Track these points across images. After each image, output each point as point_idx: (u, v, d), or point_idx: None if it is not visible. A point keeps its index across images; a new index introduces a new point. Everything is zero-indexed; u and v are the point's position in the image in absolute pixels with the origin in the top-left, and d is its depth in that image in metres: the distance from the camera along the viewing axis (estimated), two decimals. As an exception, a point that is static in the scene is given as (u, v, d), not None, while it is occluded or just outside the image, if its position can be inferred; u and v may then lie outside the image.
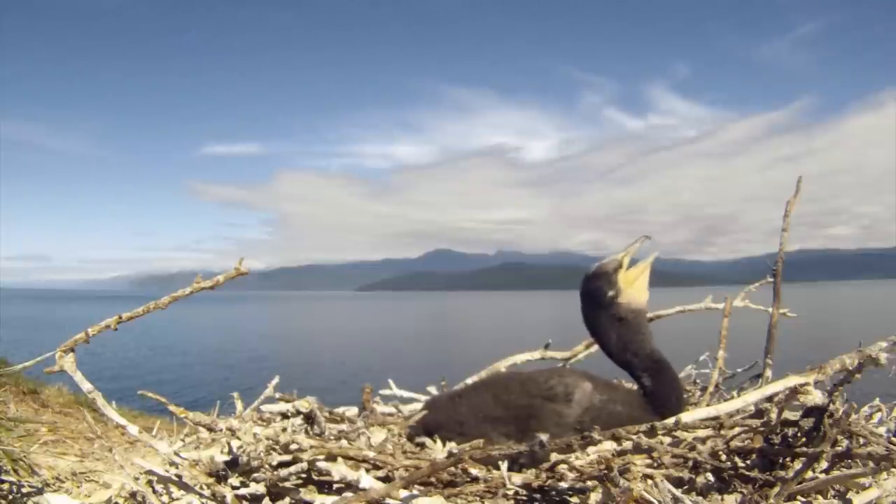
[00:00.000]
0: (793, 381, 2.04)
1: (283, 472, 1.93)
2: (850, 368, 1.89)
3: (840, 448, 1.68)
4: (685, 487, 1.75)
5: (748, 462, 1.81)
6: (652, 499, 1.63)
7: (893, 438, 1.85)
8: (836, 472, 1.66)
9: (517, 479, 1.79)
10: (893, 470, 1.76)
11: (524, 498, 1.80)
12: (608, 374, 2.43)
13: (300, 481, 1.94)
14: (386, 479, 1.89)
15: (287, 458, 1.95)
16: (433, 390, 3.11)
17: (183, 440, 2.61)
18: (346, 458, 1.94)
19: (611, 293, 2.34)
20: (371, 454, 1.96)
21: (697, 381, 3.07)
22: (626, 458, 1.78)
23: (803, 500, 1.71)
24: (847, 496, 1.73)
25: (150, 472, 2.01)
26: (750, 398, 2.15)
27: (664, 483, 1.66)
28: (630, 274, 2.36)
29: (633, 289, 2.35)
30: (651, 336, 2.37)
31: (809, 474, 1.65)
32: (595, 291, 2.36)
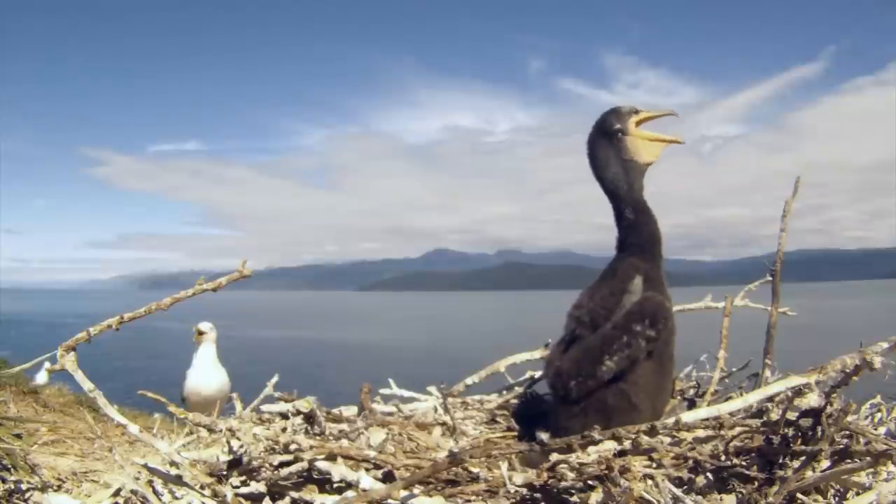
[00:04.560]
0: (794, 381, 2.05)
1: (284, 471, 1.93)
2: (850, 370, 1.89)
3: (839, 447, 1.68)
4: (685, 487, 1.75)
5: (747, 461, 1.81)
6: (652, 499, 1.63)
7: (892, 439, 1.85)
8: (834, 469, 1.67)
9: (518, 478, 1.79)
10: (893, 470, 1.76)
11: (525, 497, 1.80)
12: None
13: (301, 481, 1.94)
14: (386, 479, 1.89)
15: (288, 457, 1.95)
16: (433, 390, 3.11)
17: (184, 441, 2.61)
18: (347, 457, 1.94)
19: (618, 126, 2.42)
20: (372, 454, 1.96)
21: (698, 381, 3.07)
22: (627, 459, 1.78)
23: (803, 498, 1.71)
24: (847, 497, 1.73)
25: (151, 471, 2.01)
26: (751, 398, 2.15)
27: (665, 483, 1.67)
28: (643, 131, 2.43)
29: (641, 142, 2.41)
30: (643, 190, 2.44)
31: (809, 473, 1.65)
32: (604, 122, 2.44)
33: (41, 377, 6.37)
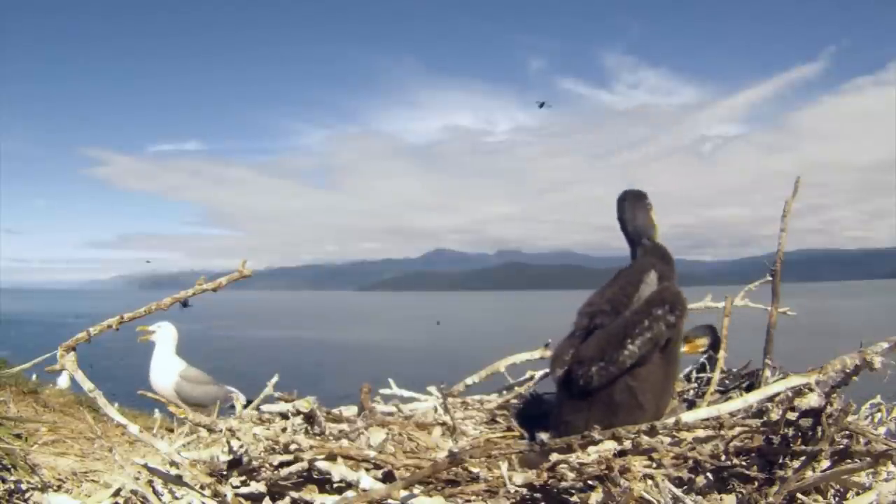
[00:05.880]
0: (794, 381, 2.05)
1: (284, 471, 1.93)
2: (850, 370, 1.89)
3: (839, 447, 1.68)
4: (685, 487, 1.75)
5: (747, 461, 1.81)
6: (652, 499, 1.63)
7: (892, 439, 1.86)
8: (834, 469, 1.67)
9: (518, 478, 1.79)
10: (893, 470, 1.76)
11: (525, 497, 1.80)
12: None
13: (301, 481, 1.94)
14: (386, 479, 1.89)
15: (288, 457, 1.95)
16: (433, 390, 3.11)
17: (184, 441, 2.61)
18: (347, 457, 1.94)
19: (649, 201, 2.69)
20: (372, 454, 1.96)
21: (698, 381, 3.07)
22: (627, 459, 1.78)
23: (803, 498, 1.71)
24: (847, 497, 1.73)
25: (151, 471, 2.01)
26: (751, 398, 2.15)
27: (665, 483, 1.67)
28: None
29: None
30: None
31: (809, 473, 1.65)
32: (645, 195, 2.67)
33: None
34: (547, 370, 3.29)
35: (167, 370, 4.79)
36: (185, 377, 4.79)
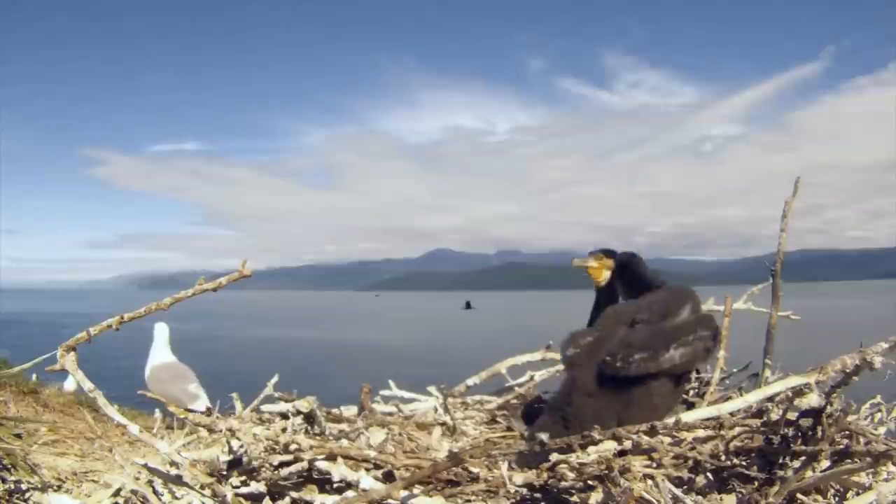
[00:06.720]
0: (794, 381, 2.05)
1: (284, 471, 1.93)
2: (850, 370, 1.89)
3: (839, 447, 1.68)
4: (685, 487, 1.75)
5: (747, 461, 1.81)
6: (652, 499, 1.63)
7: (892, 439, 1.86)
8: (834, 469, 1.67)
9: (518, 478, 1.79)
10: (893, 470, 1.76)
11: (525, 497, 1.80)
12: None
13: (301, 481, 1.94)
14: (386, 479, 1.89)
15: (288, 457, 1.95)
16: (433, 390, 3.11)
17: (184, 441, 2.61)
18: (347, 457, 1.94)
19: None
20: (372, 454, 1.96)
21: (698, 382, 3.07)
22: (627, 459, 1.78)
23: (803, 498, 1.71)
24: (847, 497, 1.73)
25: (151, 471, 2.01)
26: (751, 398, 2.15)
27: (665, 483, 1.67)
28: None
29: None
30: None
31: (809, 473, 1.65)
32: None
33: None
34: (548, 370, 3.29)
35: (147, 364, 5.00)
36: (152, 373, 4.94)
